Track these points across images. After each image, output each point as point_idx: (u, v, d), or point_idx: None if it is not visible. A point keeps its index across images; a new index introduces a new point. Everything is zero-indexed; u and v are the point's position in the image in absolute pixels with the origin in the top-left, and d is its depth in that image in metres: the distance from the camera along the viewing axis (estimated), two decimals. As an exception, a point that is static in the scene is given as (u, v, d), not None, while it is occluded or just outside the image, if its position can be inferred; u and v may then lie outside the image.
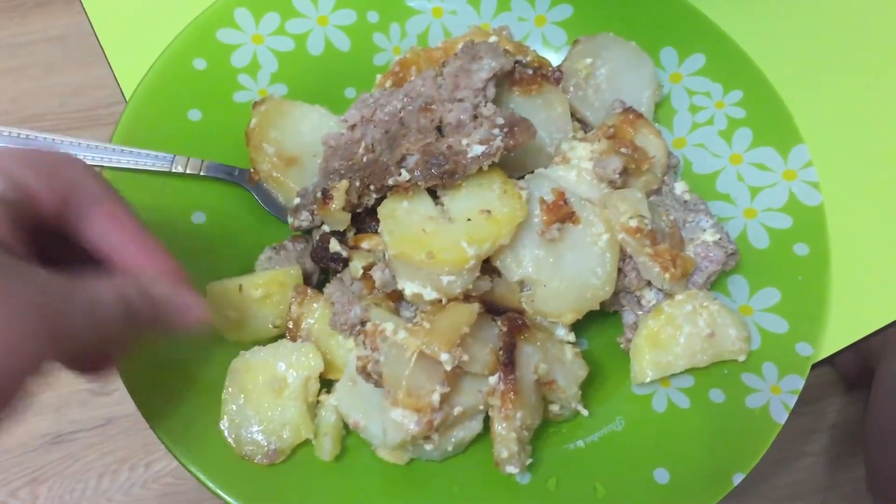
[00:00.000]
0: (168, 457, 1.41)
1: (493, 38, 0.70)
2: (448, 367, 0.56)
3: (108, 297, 0.46)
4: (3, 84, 1.61)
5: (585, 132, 0.70)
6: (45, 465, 1.36)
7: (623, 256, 0.63)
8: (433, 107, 0.63)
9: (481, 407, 0.59)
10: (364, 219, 0.65)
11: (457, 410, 0.58)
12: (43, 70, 1.62)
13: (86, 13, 0.78)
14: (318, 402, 0.61)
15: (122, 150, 0.66)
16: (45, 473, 1.36)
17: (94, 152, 0.65)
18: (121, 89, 0.75)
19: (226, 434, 0.58)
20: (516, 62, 0.68)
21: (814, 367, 0.63)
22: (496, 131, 0.60)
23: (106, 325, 0.45)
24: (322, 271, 0.67)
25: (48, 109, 1.58)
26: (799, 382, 0.62)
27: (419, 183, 0.59)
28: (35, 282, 0.42)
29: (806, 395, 0.63)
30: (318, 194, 0.63)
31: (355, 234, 0.65)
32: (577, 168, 0.65)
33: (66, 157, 0.50)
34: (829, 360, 0.95)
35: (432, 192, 0.61)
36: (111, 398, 1.40)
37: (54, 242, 0.50)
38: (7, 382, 0.40)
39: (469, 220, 0.59)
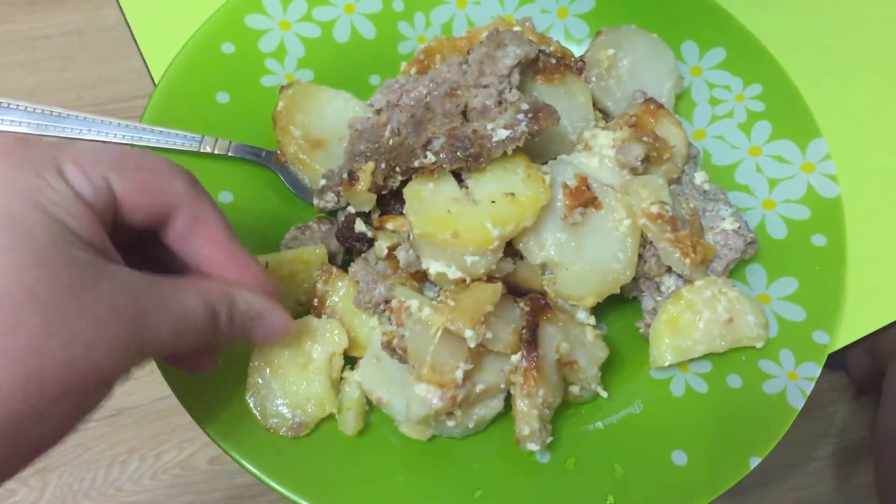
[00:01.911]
0: (177, 448, 1.42)
1: (516, 29, 0.72)
2: (472, 344, 0.57)
3: (196, 306, 0.45)
4: (20, 76, 1.62)
5: (607, 122, 0.71)
6: (55, 454, 1.36)
7: (643, 242, 0.64)
8: (458, 92, 0.64)
9: (503, 385, 0.60)
10: (389, 201, 0.66)
11: (479, 388, 0.58)
12: (60, 63, 1.64)
13: (120, 6, 0.79)
14: (342, 378, 0.62)
15: (153, 130, 0.67)
16: (55, 462, 1.36)
17: (125, 131, 0.66)
18: (149, 73, 0.76)
19: (251, 406, 0.59)
20: (540, 51, 0.69)
21: (823, 372, 0.64)
22: (521, 116, 0.61)
23: (192, 333, 0.45)
24: (346, 251, 0.68)
25: (64, 102, 1.60)
26: (816, 370, 0.63)
27: (444, 165, 0.60)
28: (124, 285, 0.41)
29: (815, 400, 0.63)
30: (345, 175, 0.64)
31: (380, 215, 0.66)
32: (599, 155, 0.66)
33: (160, 162, 0.48)
34: (842, 365, 0.96)
35: (457, 176, 0.62)
36: (122, 389, 1.39)
37: (142, 242, 0.49)
38: (93, 388, 0.40)
39: (493, 202, 0.60)
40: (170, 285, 0.44)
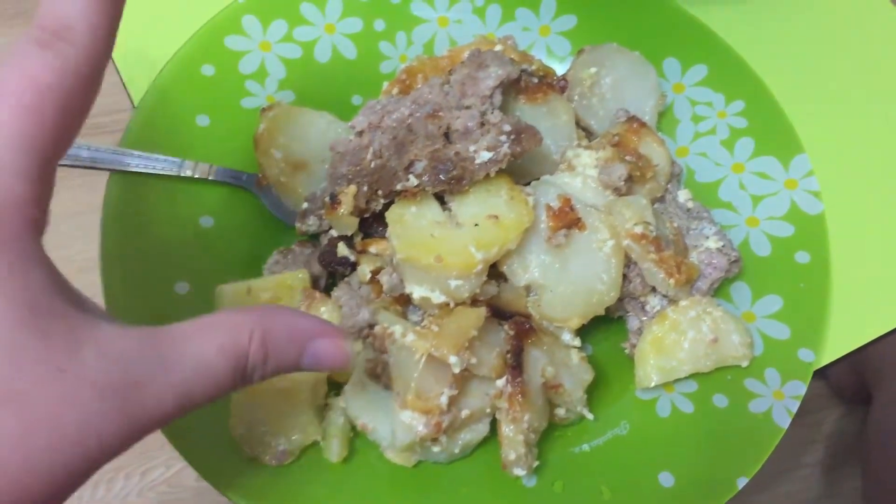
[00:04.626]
0: (164, 465, 1.41)
1: (498, 48, 0.71)
2: (456, 370, 0.56)
3: (212, 356, 0.38)
4: (2, 91, 1.60)
5: (590, 140, 0.71)
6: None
7: (628, 262, 0.64)
8: (441, 114, 0.64)
9: (488, 410, 0.60)
10: (371, 224, 0.65)
11: (464, 413, 0.58)
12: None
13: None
14: (326, 404, 0.61)
15: (132, 154, 0.66)
16: (41, 482, 1.35)
17: (104, 154, 0.66)
18: (129, 95, 0.75)
19: (234, 434, 0.59)
20: (522, 71, 0.69)
21: (811, 379, 0.64)
22: (503, 138, 0.61)
23: (208, 390, 0.38)
24: (329, 275, 0.68)
25: None
26: (801, 388, 0.63)
27: (427, 188, 0.60)
28: (112, 353, 0.35)
29: (803, 406, 0.63)
30: (327, 199, 0.63)
31: (362, 238, 0.65)
32: (582, 175, 0.66)
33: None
34: (824, 377, 0.96)
35: (440, 198, 0.62)
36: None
37: None
38: (81, 480, 0.34)
39: (476, 225, 0.59)
40: (177, 335, 0.37)
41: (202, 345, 0.38)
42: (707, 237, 0.67)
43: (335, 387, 0.62)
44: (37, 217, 0.35)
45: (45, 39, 0.35)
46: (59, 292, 0.35)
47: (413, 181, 0.60)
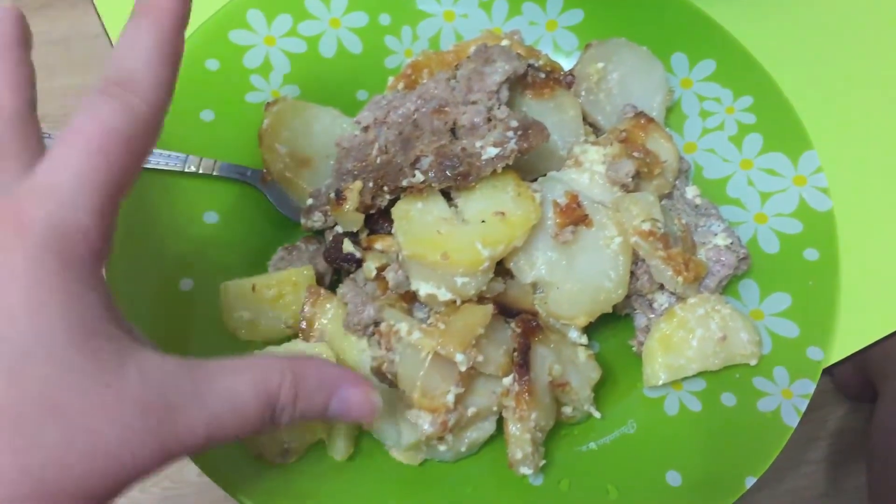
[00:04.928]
0: (167, 460, 1.41)
1: (504, 42, 0.71)
2: (463, 368, 0.56)
3: (246, 394, 0.39)
4: (4, 86, 1.60)
5: (597, 136, 0.70)
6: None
7: (635, 260, 0.63)
8: (447, 109, 0.63)
9: (494, 408, 0.59)
10: (377, 220, 0.65)
11: (471, 411, 0.58)
12: (44, 73, 1.61)
13: (98, 14, 0.78)
14: (331, 402, 0.61)
15: (136, 150, 0.66)
16: (44, 477, 1.35)
17: (108, 151, 0.65)
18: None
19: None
20: (529, 66, 0.68)
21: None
22: (510, 134, 0.60)
23: (238, 428, 0.39)
24: (334, 272, 0.67)
25: (49, 112, 1.57)
26: (810, 386, 0.62)
27: (433, 184, 0.59)
28: (154, 377, 0.37)
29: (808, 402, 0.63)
30: (332, 195, 0.63)
31: (368, 235, 0.65)
32: (589, 171, 0.65)
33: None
34: (829, 374, 0.95)
35: (446, 194, 0.61)
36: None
37: None
38: (111, 496, 0.35)
39: (483, 221, 0.59)
40: (213, 370, 0.39)
41: (235, 381, 0.39)
42: (715, 234, 0.66)
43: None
44: (100, 247, 0.38)
45: (113, 91, 0.39)
46: (111, 318, 0.37)
47: (419, 177, 0.59)
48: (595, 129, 0.72)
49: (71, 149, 0.38)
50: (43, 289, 0.35)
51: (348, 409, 0.43)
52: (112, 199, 0.38)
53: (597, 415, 0.62)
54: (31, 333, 0.34)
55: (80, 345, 0.35)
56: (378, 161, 0.62)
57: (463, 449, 0.60)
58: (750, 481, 0.59)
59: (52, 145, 0.39)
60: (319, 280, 0.66)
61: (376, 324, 0.61)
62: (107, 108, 0.39)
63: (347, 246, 0.64)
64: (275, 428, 0.41)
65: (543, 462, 0.59)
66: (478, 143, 0.60)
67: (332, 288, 0.66)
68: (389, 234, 0.63)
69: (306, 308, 0.63)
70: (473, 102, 0.63)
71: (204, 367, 0.39)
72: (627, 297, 0.64)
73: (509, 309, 0.62)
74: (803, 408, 0.61)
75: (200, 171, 0.67)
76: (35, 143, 0.42)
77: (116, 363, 0.36)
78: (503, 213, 0.59)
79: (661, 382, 0.63)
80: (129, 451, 0.35)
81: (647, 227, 0.62)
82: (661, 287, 0.65)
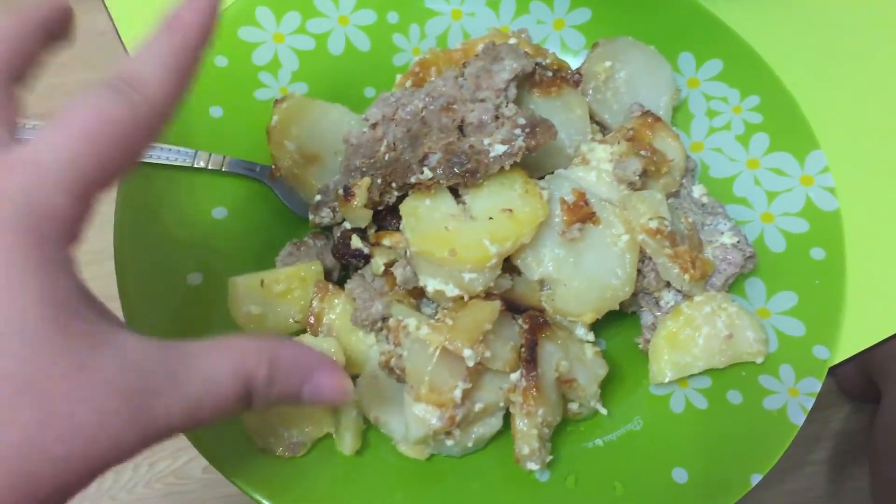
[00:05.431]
0: (171, 456, 1.42)
1: (512, 41, 0.71)
2: (471, 364, 0.56)
3: (223, 377, 0.38)
4: (11, 83, 1.60)
5: (604, 135, 0.70)
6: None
7: (642, 257, 0.64)
8: (455, 106, 0.64)
9: (501, 404, 0.60)
10: (385, 216, 0.65)
11: (478, 406, 0.58)
12: (52, 69, 1.62)
13: (107, 10, 0.78)
14: (339, 397, 0.61)
15: (145, 145, 0.66)
16: (48, 472, 1.35)
17: (118, 146, 0.66)
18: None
19: (247, 425, 0.59)
20: (536, 64, 0.68)
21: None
22: (518, 131, 0.60)
23: (215, 410, 0.38)
24: (343, 268, 0.68)
25: (57, 108, 1.58)
26: (816, 385, 0.63)
27: (441, 181, 0.60)
28: (130, 358, 0.36)
29: (811, 403, 0.63)
30: (340, 191, 0.63)
31: (376, 231, 0.65)
32: (596, 169, 0.66)
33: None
34: (832, 374, 0.96)
35: (454, 191, 0.61)
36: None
37: None
38: (88, 480, 0.35)
39: (491, 218, 0.59)
40: (191, 352, 0.38)
41: (213, 363, 0.38)
42: (722, 233, 0.67)
43: (348, 379, 0.62)
44: (74, 231, 0.37)
45: (117, 85, 0.38)
46: (84, 299, 0.36)
47: (427, 174, 0.60)
48: (602, 127, 0.73)
49: (61, 130, 0.36)
50: (15, 266, 0.34)
51: (320, 394, 0.43)
52: (92, 187, 0.37)
53: (603, 411, 0.63)
54: (1, 312, 0.33)
55: (53, 322, 0.34)
56: (386, 158, 0.63)
57: (470, 444, 0.60)
58: (755, 479, 0.59)
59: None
60: (327, 275, 0.66)
61: (384, 319, 0.61)
62: (106, 98, 0.38)
63: (356, 242, 0.64)
64: (247, 410, 0.40)
65: (550, 458, 0.60)
66: (486, 141, 0.60)
67: (340, 283, 0.66)
68: (397, 230, 0.63)
69: (314, 303, 0.63)
70: (481, 100, 0.63)
71: (181, 348, 0.38)
72: (634, 294, 0.64)
73: (517, 305, 0.63)
74: (809, 406, 0.62)
75: (209, 167, 0.67)
76: (12, 115, 0.40)
77: (92, 344, 0.35)
78: (511, 210, 0.59)
79: (667, 380, 0.63)
80: (106, 435, 0.34)
81: (654, 224, 0.62)
82: (668, 285, 0.65)
